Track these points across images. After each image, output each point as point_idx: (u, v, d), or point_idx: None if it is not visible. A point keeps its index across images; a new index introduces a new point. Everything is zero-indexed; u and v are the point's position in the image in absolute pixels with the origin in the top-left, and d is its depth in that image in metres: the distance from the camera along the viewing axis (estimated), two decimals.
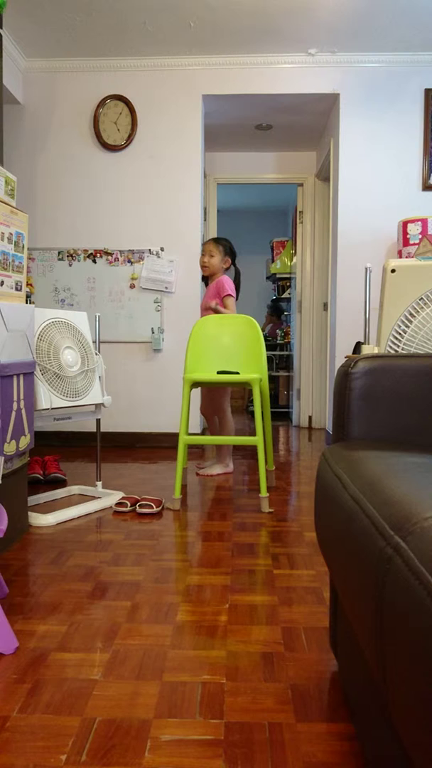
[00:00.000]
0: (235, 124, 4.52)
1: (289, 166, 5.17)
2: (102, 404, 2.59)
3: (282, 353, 6.29)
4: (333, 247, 4.26)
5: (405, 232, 3.59)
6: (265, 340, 3.92)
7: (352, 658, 1.05)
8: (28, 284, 4.01)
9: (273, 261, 6.26)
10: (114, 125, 4.07)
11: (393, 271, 1.78)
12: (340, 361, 4.02)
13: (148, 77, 4.06)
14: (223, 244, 3.28)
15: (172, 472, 3.26)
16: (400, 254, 3.67)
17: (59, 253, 4.14)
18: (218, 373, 2.86)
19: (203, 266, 3.28)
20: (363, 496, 0.78)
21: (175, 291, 4.12)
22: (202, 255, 3.29)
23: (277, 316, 6.59)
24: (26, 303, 2.06)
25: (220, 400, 3.25)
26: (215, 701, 1.15)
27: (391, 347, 1.79)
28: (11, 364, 1.86)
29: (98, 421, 2.78)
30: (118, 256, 4.11)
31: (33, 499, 2.56)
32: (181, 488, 2.62)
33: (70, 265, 4.13)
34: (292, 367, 5.67)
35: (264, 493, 2.54)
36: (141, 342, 4.14)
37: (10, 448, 1.86)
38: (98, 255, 4.12)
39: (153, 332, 4.11)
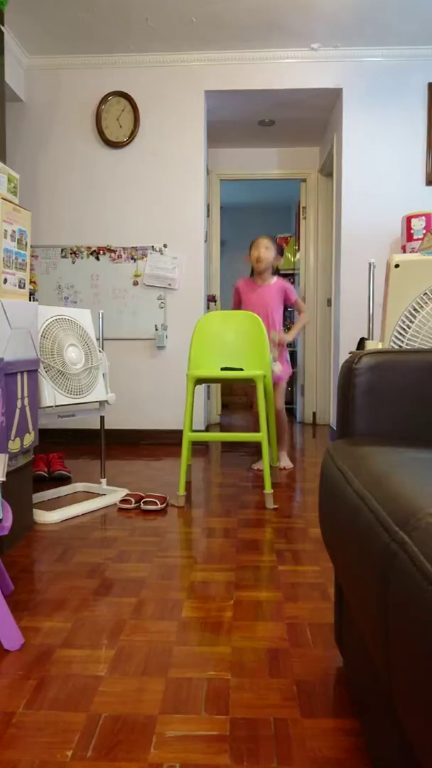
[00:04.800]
0: (237, 120, 4.51)
1: (292, 161, 5.15)
2: (106, 401, 2.59)
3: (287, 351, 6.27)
4: (336, 243, 4.25)
5: (409, 227, 3.58)
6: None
7: (357, 653, 1.05)
8: (31, 282, 4.01)
9: None
10: (116, 122, 4.07)
11: (397, 266, 1.78)
12: (344, 357, 4.01)
13: (151, 73, 4.05)
14: (276, 243, 3.28)
15: (176, 469, 3.26)
16: (404, 249, 3.65)
17: (62, 250, 4.14)
18: (222, 369, 2.86)
19: (258, 260, 3.21)
20: (367, 492, 0.78)
21: (179, 288, 4.11)
22: (256, 249, 3.22)
23: None
24: (30, 300, 2.06)
25: (276, 398, 3.18)
26: (220, 697, 1.15)
27: (395, 343, 1.78)
28: (15, 362, 1.87)
29: (102, 419, 2.78)
30: (122, 253, 4.11)
31: (38, 497, 2.56)
32: (186, 485, 2.62)
33: (74, 263, 4.13)
34: (296, 364, 5.66)
35: (268, 489, 2.53)
36: (145, 339, 4.14)
37: (14, 445, 1.86)
38: (101, 252, 4.12)
39: (156, 329, 4.11)
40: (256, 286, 3.27)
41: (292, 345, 6.03)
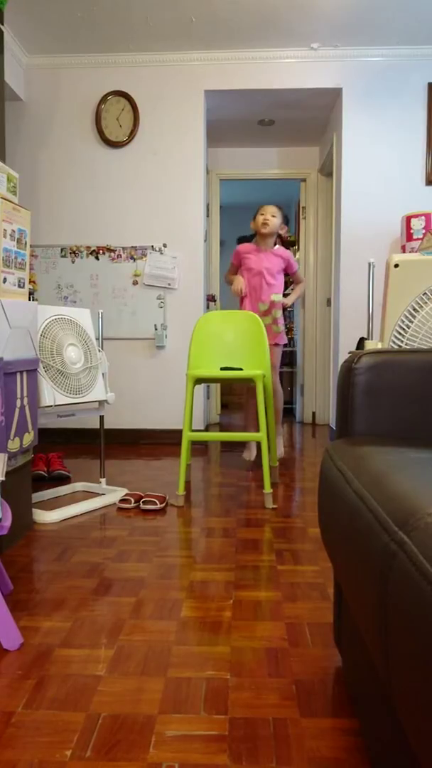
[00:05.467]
0: (237, 119, 4.51)
1: (292, 161, 5.15)
2: (105, 401, 2.59)
3: (285, 349, 6.27)
4: (336, 243, 4.24)
5: (408, 227, 3.57)
6: None
7: (356, 653, 1.05)
8: (31, 281, 4.00)
9: None
10: (116, 121, 4.07)
11: (396, 266, 1.78)
12: (343, 356, 4.01)
13: (150, 73, 4.05)
14: (283, 212, 3.31)
15: (175, 469, 3.26)
16: (403, 249, 3.65)
17: (62, 249, 4.14)
18: (221, 369, 2.86)
19: (265, 222, 3.25)
20: (367, 492, 0.78)
21: (178, 287, 4.11)
22: (263, 214, 3.27)
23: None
24: (29, 300, 2.06)
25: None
26: (219, 697, 1.15)
27: (394, 342, 1.78)
28: (14, 362, 1.87)
29: (102, 418, 2.78)
30: (121, 253, 4.11)
31: (37, 496, 2.57)
32: (185, 484, 2.62)
33: (73, 262, 4.13)
34: (296, 363, 5.67)
35: (268, 489, 2.54)
36: (144, 339, 4.14)
37: (14, 445, 1.86)
38: (101, 252, 4.12)
39: (156, 329, 4.11)
40: (258, 250, 3.31)
41: (291, 344, 6.05)
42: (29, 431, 2.00)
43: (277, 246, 3.36)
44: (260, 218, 3.27)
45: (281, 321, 3.37)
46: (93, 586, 1.68)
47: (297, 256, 5.59)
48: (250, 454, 3.34)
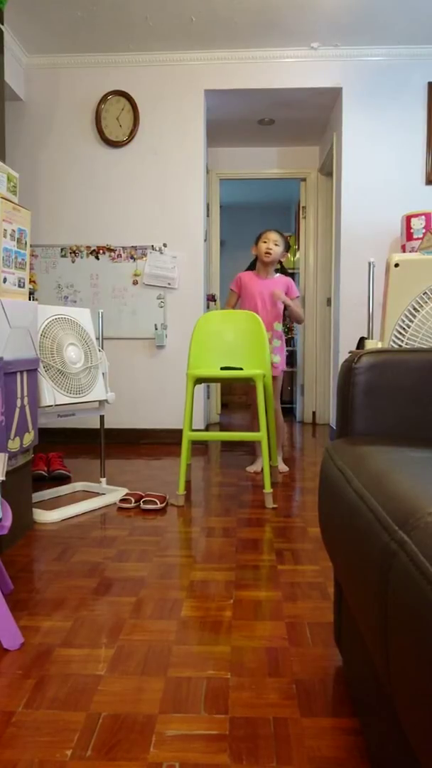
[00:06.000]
0: (237, 119, 4.50)
1: (292, 161, 5.15)
2: (105, 401, 2.59)
3: (286, 348, 6.27)
4: (336, 242, 4.24)
5: (408, 227, 3.57)
6: None
7: (356, 652, 1.05)
8: (31, 281, 4.00)
9: None
10: (116, 121, 4.06)
11: (396, 265, 1.78)
12: (343, 356, 4.01)
13: (150, 73, 4.04)
14: (285, 239, 3.27)
15: (176, 468, 3.26)
16: (403, 249, 3.65)
17: (62, 249, 4.14)
18: (222, 369, 2.86)
19: (267, 252, 3.21)
20: (367, 491, 0.78)
21: (178, 287, 4.11)
22: (266, 242, 3.22)
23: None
24: (29, 300, 2.06)
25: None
26: (220, 696, 1.15)
27: (394, 342, 1.78)
28: (15, 361, 1.87)
29: (102, 418, 2.78)
30: (121, 253, 4.11)
31: (37, 496, 2.56)
32: (185, 484, 2.62)
33: (73, 262, 4.13)
34: (296, 363, 5.67)
35: (268, 488, 2.53)
36: (144, 338, 4.14)
37: (14, 444, 1.86)
38: (101, 251, 4.12)
39: (156, 328, 4.11)
40: (259, 279, 3.28)
41: (291, 344, 6.05)
42: (29, 431, 2.00)
43: (278, 274, 3.33)
44: (263, 246, 3.22)
45: (281, 349, 3.32)
46: (93, 586, 1.68)
47: (297, 255, 5.58)
48: (256, 468, 3.30)
